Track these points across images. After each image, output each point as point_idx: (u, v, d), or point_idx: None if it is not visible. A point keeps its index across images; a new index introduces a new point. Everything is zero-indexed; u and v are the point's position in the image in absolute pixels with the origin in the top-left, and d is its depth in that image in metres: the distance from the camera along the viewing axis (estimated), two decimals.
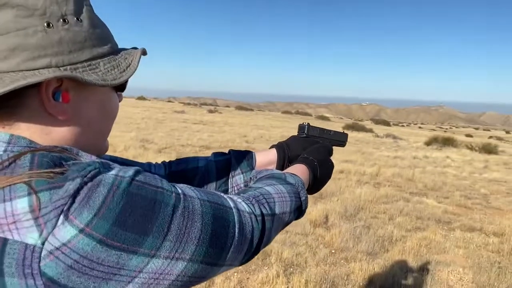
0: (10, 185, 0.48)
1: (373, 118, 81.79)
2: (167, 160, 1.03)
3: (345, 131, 1.26)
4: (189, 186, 0.61)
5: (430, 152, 17.00)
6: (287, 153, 1.06)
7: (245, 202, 0.66)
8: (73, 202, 0.47)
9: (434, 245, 4.86)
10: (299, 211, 0.81)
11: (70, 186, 0.48)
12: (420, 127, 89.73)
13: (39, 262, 0.46)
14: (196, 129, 17.96)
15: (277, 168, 1.04)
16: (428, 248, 4.76)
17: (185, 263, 0.54)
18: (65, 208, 0.47)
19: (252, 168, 1.02)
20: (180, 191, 0.57)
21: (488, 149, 19.27)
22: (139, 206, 0.50)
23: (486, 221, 6.12)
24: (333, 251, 4.44)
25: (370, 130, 29.04)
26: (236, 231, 0.60)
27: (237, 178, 1.01)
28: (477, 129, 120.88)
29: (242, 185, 1.00)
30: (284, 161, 1.05)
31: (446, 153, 17.08)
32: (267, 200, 0.71)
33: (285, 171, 0.92)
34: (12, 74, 0.53)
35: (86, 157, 0.56)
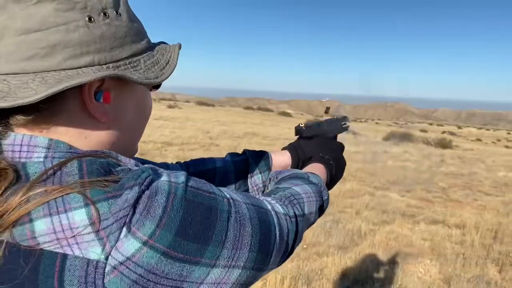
0: (62, 195, 0.45)
1: (332, 115, 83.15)
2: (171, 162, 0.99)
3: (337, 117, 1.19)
4: (230, 190, 0.60)
5: (388, 147, 17.51)
6: (301, 155, 1.05)
7: (279, 204, 0.66)
8: (134, 212, 0.45)
9: (401, 238, 5.00)
10: (320, 210, 0.81)
11: (129, 196, 0.46)
12: (377, 123, 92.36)
13: (103, 278, 0.44)
14: (157, 125, 17.60)
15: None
16: (396, 241, 4.88)
17: (240, 271, 0.53)
18: (127, 220, 0.45)
19: (270, 167, 1.01)
20: (228, 196, 0.56)
21: (444, 144, 20.09)
22: (198, 214, 0.49)
23: (447, 214, 6.36)
24: (305, 246, 4.47)
25: None
26: (277, 234, 0.60)
27: (256, 178, 1.00)
28: (431, 124, 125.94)
29: (261, 185, 0.99)
30: (298, 163, 1.05)
31: (404, 148, 17.63)
32: (298, 200, 0.71)
33: (304, 170, 0.94)
34: (53, 74, 0.50)
35: (126, 161, 0.53)
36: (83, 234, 0.44)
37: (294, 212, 0.67)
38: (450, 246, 4.86)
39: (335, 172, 1.00)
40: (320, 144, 1.08)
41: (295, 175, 0.83)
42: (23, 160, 0.49)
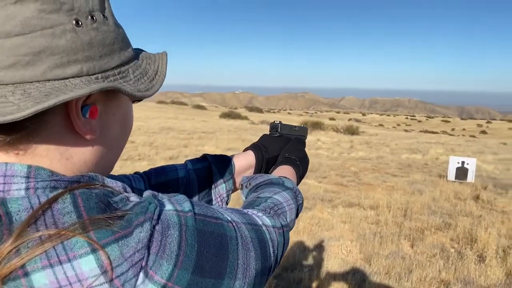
0: (62, 241, 0.39)
1: (246, 106, 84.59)
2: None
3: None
4: (223, 208, 0.57)
5: None
6: (265, 154, 1.01)
7: (266, 216, 0.62)
8: (149, 253, 0.41)
9: (323, 222, 5.23)
10: (296, 214, 0.78)
11: (142, 234, 0.41)
12: (289, 113, 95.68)
13: None
14: None
15: (255, 171, 1.00)
16: (318, 226, 5.10)
17: None
18: (143, 263, 0.40)
19: (233, 175, 0.96)
20: (229, 218, 0.52)
21: (351, 131, 21.44)
22: (211, 246, 0.46)
23: (361, 196, 6.80)
24: None
25: (246, 118, 30.02)
26: (271, 251, 0.57)
27: (220, 188, 0.94)
28: (338, 112, 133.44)
29: (225, 195, 0.94)
30: (262, 163, 1.01)
31: (316, 136, 18.49)
32: (281, 210, 0.68)
33: (275, 174, 0.90)
34: (38, 85, 0.42)
35: (114, 185, 0.47)
36: (95, 286, 0.38)
37: (281, 223, 0.64)
38: (367, 226, 5.20)
39: (302, 171, 0.99)
40: (285, 143, 1.06)
41: (270, 181, 0.80)
42: (0, 195, 0.42)
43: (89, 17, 0.46)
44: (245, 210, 0.62)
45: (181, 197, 0.50)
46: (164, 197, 0.49)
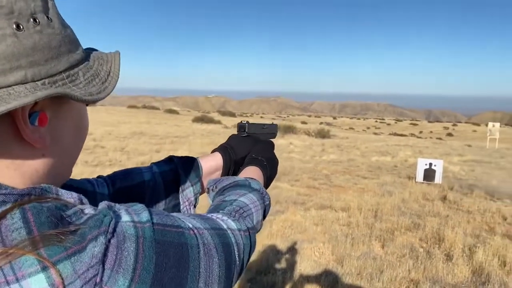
0: (10, 261, 0.37)
1: (219, 110, 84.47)
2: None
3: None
4: (184, 214, 0.56)
5: (274, 139, 18.30)
6: (232, 156, 1.00)
7: (231, 219, 0.62)
8: (103, 268, 0.39)
9: (296, 225, 5.27)
10: (263, 216, 0.78)
11: (96, 249, 0.40)
12: (261, 117, 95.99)
13: None
14: None
15: (223, 173, 0.99)
16: (291, 229, 5.14)
17: None
18: (97, 280, 0.39)
19: (200, 177, 0.94)
20: (191, 225, 0.51)
21: (323, 134, 21.70)
22: (171, 256, 0.45)
23: (333, 198, 6.89)
24: None
25: (219, 122, 29.90)
26: (236, 255, 0.56)
27: (188, 191, 0.91)
28: (310, 116, 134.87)
29: (192, 199, 0.92)
30: (230, 165, 1.00)
31: (288, 139, 18.61)
32: (247, 212, 0.68)
33: (241, 175, 0.89)
34: None
35: (68, 196, 0.45)
36: None
37: (247, 226, 0.64)
38: (339, 228, 5.27)
39: (269, 171, 0.97)
40: (253, 143, 1.05)
41: (236, 183, 0.79)
42: None
43: (31, 20, 0.44)
44: (210, 215, 0.61)
45: (139, 206, 0.48)
46: (121, 208, 0.47)
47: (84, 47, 0.56)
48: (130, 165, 9.60)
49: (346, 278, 3.81)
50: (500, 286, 3.86)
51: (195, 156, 0.98)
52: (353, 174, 9.89)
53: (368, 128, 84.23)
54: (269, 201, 0.81)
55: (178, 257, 0.45)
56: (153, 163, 0.93)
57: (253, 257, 4.14)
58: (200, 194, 0.95)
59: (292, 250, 4.42)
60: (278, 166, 1.06)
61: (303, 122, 56.67)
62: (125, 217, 0.44)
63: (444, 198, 7.41)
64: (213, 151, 1.03)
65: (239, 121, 1.12)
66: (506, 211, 6.66)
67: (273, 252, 4.31)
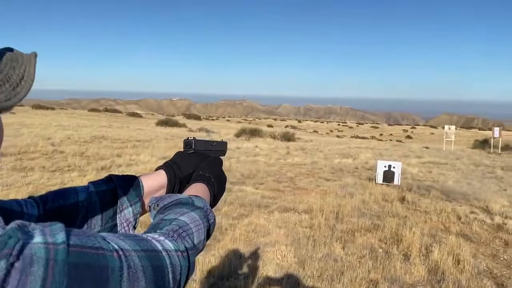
0: None
1: (184, 113, 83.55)
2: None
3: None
4: (116, 235, 0.54)
5: (241, 143, 18.35)
6: (177, 173, 0.97)
7: (168, 240, 0.60)
8: None
9: (259, 229, 5.29)
10: (207, 234, 0.77)
11: None
12: (228, 120, 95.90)
13: None
14: None
15: (167, 191, 0.96)
16: (255, 232, 5.15)
17: None
18: None
19: (141, 197, 0.90)
20: (116, 247, 0.49)
21: (288, 137, 21.91)
22: (87, 280, 0.42)
23: (296, 201, 6.96)
24: None
25: (184, 125, 29.61)
26: (171, 277, 0.55)
27: (126, 212, 0.88)
28: (275, 119, 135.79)
29: (132, 219, 0.88)
30: (175, 182, 0.97)
31: (254, 143, 18.68)
32: (187, 232, 0.66)
33: (186, 192, 0.87)
34: None
35: None
36: None
37: (185, 246, 0.62)
38: (302, 230, 5.33)
39: (217, 189, 0.96)
40: (199, 160, 1.03)
41: (179, 201, 0.77)
42: None
43: None
44: (145, 235, 0.59)
45: (57, 226, 0.45)
46: (36, 228, 0.44)
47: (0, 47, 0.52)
48: (90, 170, 9.34)
49: (308, 280, 3.85)
50: (454, 284, 4.02)
51: (137, 175, 0.95)
52: (316, 176, 10.04)
53: (332, 131, 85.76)
54: (214, 219, 0.80)
55: (96, 280, 0.43)
56: (90, 182, 0.89)
57: (216, 262, 4.12)
58: (141, 214, 0.92)
59: (255, 253, 4.43)
60: (226, 182, 1.04)
61: (269, 126, 56.98)
62: (37, 238, 0.42)
63: (402, 199, 7.64)
64: (157, 169, 1.00)
65: (185, 138, 1.09)
66: (460, 211, 6.94)
67: (236, 257, 4.30)
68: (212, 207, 0.92)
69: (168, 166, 0.98)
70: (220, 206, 6.29)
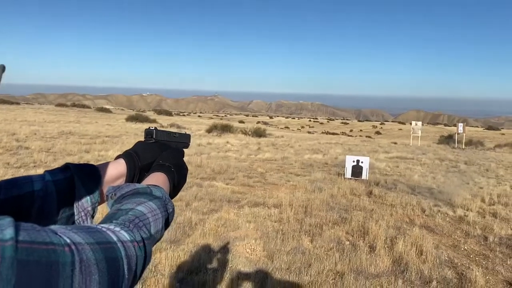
0: None
1: (155, 109, 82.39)
2: None
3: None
4: (69, 227, 0.52)
5: (212, 138, 18.28)
6: (137, 162, 0.96)
7: (124, 230, 0.60)
8: None
9: (229, 223, 5.31)
10: (166, 223, 0.77)
11: None
12: (199, 116, 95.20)
13: None
14: None
15: (126, 180, 0.95)
16: (225, 227, 5.17)
17: None
18: None
19: (99, 186, 0.89)
20: (68, 241, 0.48)
21: (259, 133, 21.98)
22: (36, 277, 0.41)
23: (266, 195, 7.02)
24: None
25: (154, 121, 29.21)
26: (126, 268, 0.55)
27: (84, 201, 0.86)
28: (247, 115, 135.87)
29: (89, 208, 0.86)
30: (134, 171, 0.96)
31: (225, 138, 18.64)
32: (143, 222, 0.66)
33: (145, 182, 0.87)
34: None
35: None
36: None
37: (141, 236, 0.62)
38: (271, 224, 5.39)
39: (177, 178, 0.96)
40: (160, 150, 1.02)
41: (136, 191, 0.77)
42: None
43: None
44: (100, 226, 0.58)
45: (6, 221, 0.44)
46: None
47: None
48: (56, 166, 9.06)
49: (276, 273, 3.91)
50: (417, 273, 4.17)
51: (95, 163, 0.92)
52: (287, 171, 10.14)
53: (303, 127, 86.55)
54: (173, 208, 0.80)
55: (46, 277, 0.42)
56: (46, 170, 0.86)
57: (185, 257, 4.12)
58: (100, 203, 0.91)
59: (224, 248, 4.45)
60: (188, 173, 1.03)
61: (241, 121, 56.95)
62: None
63: (370, 193, 7.84)
64: (117, 157, 0.98)
65: (147, 127, 1.07)
66: (425, 204, 7.18)
67: (205, 251, 4.31)
68: (172, 198, 0.91)
69: (127, 155, 0.97)
70: (190, 201, 6.28)
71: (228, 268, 3.95)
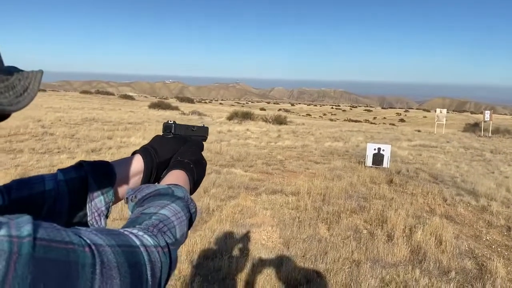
0: None
1: (177, 96, 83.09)
2: None
3: (205, 125, 1.19)
4: (89, 229, 0.51)
5: (232, 126, 18.33)
6: (155, 158, 0.93)
7: (148, 235, 0.58)
8: None
9: (246, 210, 5.33)
10: (189, 224, 0.75)
11: None
12: (221, 103, 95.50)
13: None
14: None
15: (144, 177, 0.92)
16: (242, 213, 5.20)
17: None
18: None
19: (113, 184, 0.86)
20: (89, 241, 0.47)
21: (280, 120, 21.90)
22: (54, 276, 0.40)
23: (284, 183, 7.01)
24: None
25: (176, 108, 29.47)
26: (149, 274, 0.53)
27: (97, 201, 0.83)
28: (268, 103, 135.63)
29: (103, 208, 0.84)
30: (152, 168, 0.92)
31: (246, 126, 18.66)
32: (168, 226, 0.64)
33: (164, 181, 0.85)
34: None
35: None
36: None
37: (166, 241, 0.60)
38: (288, 212, 5.38)
39: (197, 174, 0.92)
40: (178, 145, 0.98)
41: (158, 192, 0.74)
42: None
43: None
44: (122, 230, 0.57)
45: (24, 219, 0.43)
46: (2, 220, 0.42)
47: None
48: (80, 152, 9.31)
49: (291, 260, 3.91)
50: (435, 263, 4.10)
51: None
52: (306, 159, 10.08)
53: (325, 114, 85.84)
54: (195, 208, 0.77)
55: (64, 276, 0.41)
56: (60, 169, 0.84)
57: (202, 242, 4.17)
58: (114, 203, 0.88)
59: (241, 234, 4.47)
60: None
61: (262, 109, 56.90)
62: (2, 231, 0.40)
63: (390, 182, 7.72)
64: (133, 153, 0.95)
65: (165, 121, 1.04)
66: (446, 193, 7.04)
67: (221, 237, 4.34)
68: (191, 194, 0.89)
69: (145, 150, 0.93)
70: (208, 188, 6.33)
71: (244, 254, 3.98)
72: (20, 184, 0.76)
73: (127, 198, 0.76)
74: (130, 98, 46.60)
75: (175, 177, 0.86)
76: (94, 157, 8.62)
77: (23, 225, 0.42)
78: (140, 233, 0.57)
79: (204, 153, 1.04)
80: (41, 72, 0.57)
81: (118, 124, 15.57)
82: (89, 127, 13.98)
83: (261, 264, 3.79)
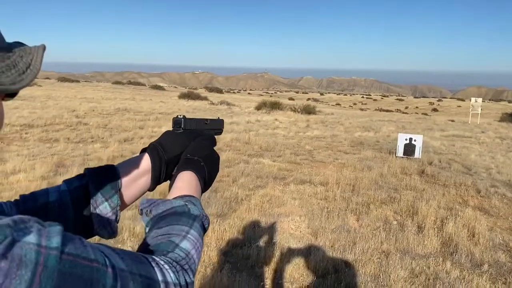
0: None
1: (206, 86, 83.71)
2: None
3: (219, 118, 1.15)
4: (115, 249, 0.52)
5: (260, 116, 18.34)
6: (163, 156, 0.90)
7: (172, 270, 0.58)
8: None
9: (274, 200, 5.36)
10: (202, 244, 0.74)
11: None
12: (249, 93, 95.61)
13: None
14: (13, 105, 15.70)
15: (153, 176, 0.90)
16: (270, 203, 5.23)
17: None
18: None
19: (118, 189, 0.84)
20: (113, 263, 0.47)
21: (308, 110, 21.73)
22: None
23: (313, 173, 6.99)
24: None
25: (205, 98, 29.70)
26: None
27: (102, 208, 0.82)
28: (297, 92, 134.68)
29: (111, 214, 0.83)
30: (160, 166, 0.90)
31: (274, 116, 18.63)
32: (189, 264, 0.63)
33: (175, 189, 0.81)
34: None
35: None
36: None
37: (186, 281, 0.59)
38: (316, 202, 5.37)
39: (208, 171, 0.88)
40: (189, 140, 0.94)
41: (174, 211, 0.71)
42: None
43: None
44: (148, 257, 0.56)
45: (56, 229, 0.43)
46: (34, 226, 0.42)
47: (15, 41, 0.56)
48: (112, 141, 9.56)
49: (320, 250, 3.92)
50: (467, 256, 4.02)
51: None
52: (335, 149, 10.00)
53: (355, 104, 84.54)
54: (208, 223, 0.76)
55: None
56: (65, 180, 0.84)
57: (231, 230, 4.23)
58: (122, 207, 0.87)
59: (269, 224, 4.51)
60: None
61: (291, 99, 56.56)
62: (31, 238, 0.40)
63: (422, 172, 7.56)
64: (142, 151, 0.93)
65: (175, 116, 1.00)
66: (481, 184, 6.83)
67: (250, 226, 4.39)
68: (204, 191, 0.88)
69: (152, 148, 0.91)
70: (237, 177, 6.39)
71: (272, 243, 4.02)
72: (26, 198, 0.78)
73: (141, 209, 0.74)
74: (161, 88, 47.28)
75: (186, 184, 0.82)
76: (126, 147, 8.85)
77: (54, 235, 0.42)
78: (166, 266, 0.57)
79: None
80: (43, 46, 0.57)
81: (150, 114, 15.85)
82: (121, 117, 14.30)
83: (289, 253, 3.82)
